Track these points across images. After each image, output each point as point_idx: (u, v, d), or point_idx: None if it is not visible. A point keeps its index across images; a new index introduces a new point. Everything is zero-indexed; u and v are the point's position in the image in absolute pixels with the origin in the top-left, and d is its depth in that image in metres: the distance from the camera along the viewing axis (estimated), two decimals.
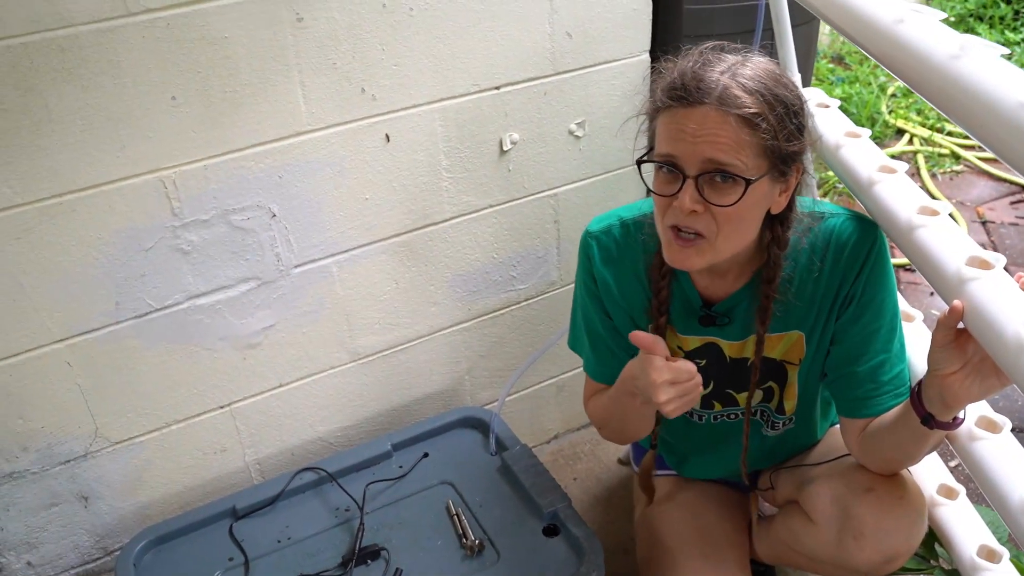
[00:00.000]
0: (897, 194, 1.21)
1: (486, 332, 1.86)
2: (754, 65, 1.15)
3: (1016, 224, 2.99)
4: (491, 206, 1.71)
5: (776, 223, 1.24)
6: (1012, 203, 3.10)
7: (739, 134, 1.11)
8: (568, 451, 2.08)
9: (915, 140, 3.53)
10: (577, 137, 1.73)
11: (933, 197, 3.17)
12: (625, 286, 1.40)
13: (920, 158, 3.40)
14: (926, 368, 1.12)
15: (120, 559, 1.50)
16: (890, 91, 3.79)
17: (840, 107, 1.39)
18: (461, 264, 1.74)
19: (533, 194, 1.74)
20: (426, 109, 1.55)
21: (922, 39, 0.99)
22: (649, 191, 1.28)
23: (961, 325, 1.05)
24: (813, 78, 3.91)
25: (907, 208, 1.17)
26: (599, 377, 1.47)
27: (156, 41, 1.30)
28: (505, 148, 1.66)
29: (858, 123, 3.55)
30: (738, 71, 1.13)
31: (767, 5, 1.62)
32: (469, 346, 1.85)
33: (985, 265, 1.03)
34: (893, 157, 3.44)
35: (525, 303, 1.87)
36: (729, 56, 1.16)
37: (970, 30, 4.23)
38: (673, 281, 1.36)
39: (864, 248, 1.26)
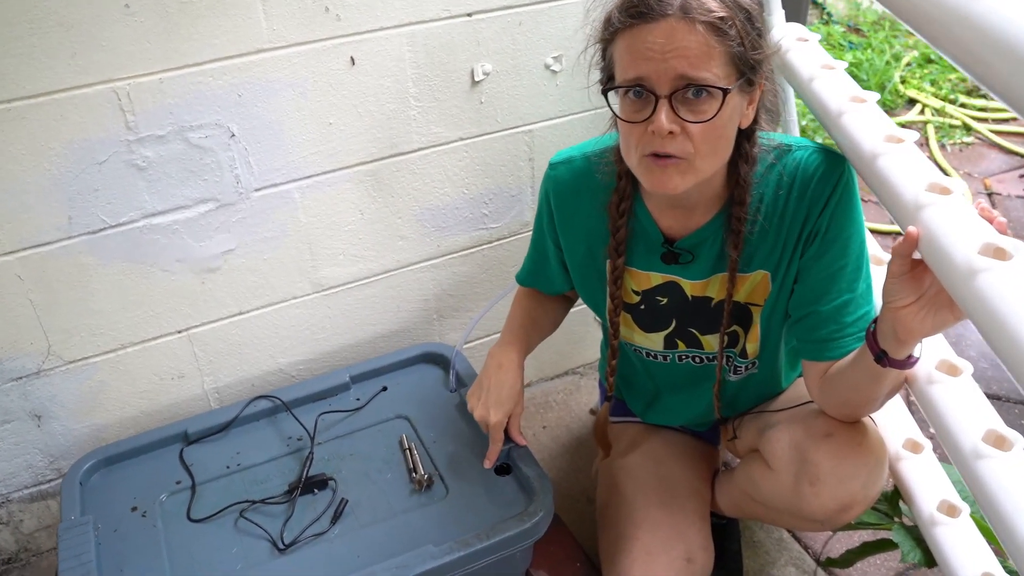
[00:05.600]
0: (864, 123, 1.15)
1: (456, 270, 1.81)
2: None
3: (1023, 197, 2.91)
4: (462, 139, 1.66)
5: (743, 139, 1.19)
6: (1021, 176, 3.02)
7: (708, 43, 1.05)
8: (540, 399, 2.04)
9: (926, 110, 3.45)
10: (554, 72, 1.68)
11: (940, 168, 3.11)
12: (585, 219, 1.36)
13: (930, 128, 3.31)
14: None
15: (66, 478, 1.47)
16: (904, 60, 3.69)
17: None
18: (430, 198, 1.70)
19: (507, 129, 1.69)
20: (393, 33, 1.50)
21: None
22: (614, 122, 1.23)
23: (918, 256, 1.00)
24: (824, 44, 3.82)
25: (872, 137, 1.11)
26: (524, 280, 1.56)
27: None
28: (477, 79, 1.61)
29: (867, 89, 3.48)
30: None
31: None
32: (438, 284, 1.81)
33: (945, 191, 0.98)
34: (902, 126, 3.38)
35: (497, 243, 1.82)
36: None
37: None
38: (632, 219, 1.31)
39: (831, 181, 1.21)
